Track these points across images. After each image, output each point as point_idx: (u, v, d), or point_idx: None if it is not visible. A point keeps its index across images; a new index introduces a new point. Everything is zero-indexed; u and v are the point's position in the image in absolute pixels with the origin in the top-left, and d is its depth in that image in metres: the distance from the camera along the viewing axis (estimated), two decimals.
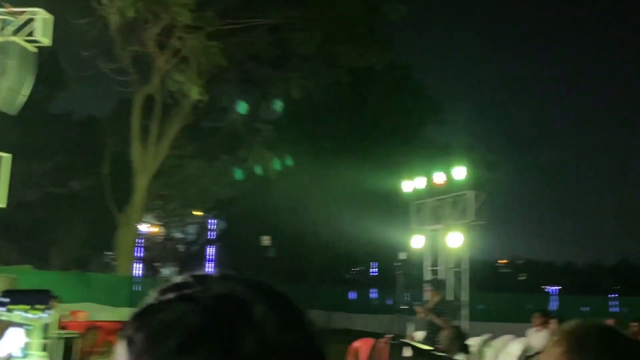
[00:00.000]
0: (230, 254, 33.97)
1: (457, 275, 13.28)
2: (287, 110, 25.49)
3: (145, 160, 18.65)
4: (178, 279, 0.71)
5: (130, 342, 0.65)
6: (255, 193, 24.89)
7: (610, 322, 8.86)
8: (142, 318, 0.67)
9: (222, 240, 37.54)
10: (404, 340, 1.81)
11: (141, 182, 18.80)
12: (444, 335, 5.64)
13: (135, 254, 24.51)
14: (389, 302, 27.50)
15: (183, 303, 0.66)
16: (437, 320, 7.73)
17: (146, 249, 36.31)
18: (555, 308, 28.98)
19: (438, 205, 13.70)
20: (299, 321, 0.69)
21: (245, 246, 29.76)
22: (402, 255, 12.14)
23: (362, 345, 8.93)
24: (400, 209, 16.34)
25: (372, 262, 47.97)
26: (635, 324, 9.51)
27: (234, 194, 23.53)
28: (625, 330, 8.90)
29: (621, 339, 1.57)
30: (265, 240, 14.66)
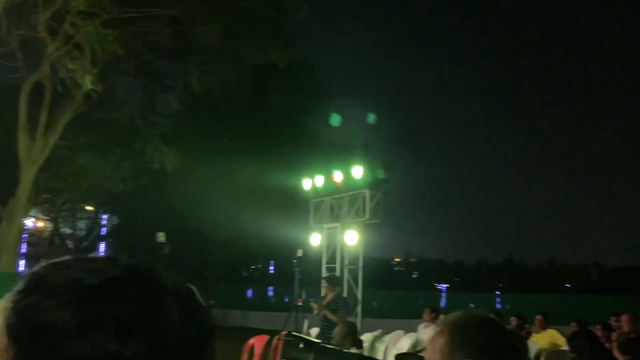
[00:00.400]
0: (122, 250, 32.95)
1: (353, 272, 13.52)
2: (187, 104, 24.98)
3: (33, 152, 17.64)
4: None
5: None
6: (152, 188, 24.22)
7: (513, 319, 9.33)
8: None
9: (114, 236, 36.42)
10: (296, 334, 1.81)
11: (27, 174, 17.75)
12: (337, 331, 5.71)
13: (21, 250, 23.23)
14: (287, 299, 27.63)
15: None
16: (331, 317, 7.83)
17: (32, 244, 34.61)
18: (444, 304, 30.18)
19: (336, 204, 13.88)
20: (198, 310, 0.68)
21: (138, 243, 28.88)
22: (300, 253, 12.20)
23: (256, 342, 8.90)
24: (300, 207, 16.43)
25: (271, 260, 47.97)
26: (514, 318, 10.09)
27: (128, 188, 22.75)
28: (505, 324, 9.40)
29: (500, 328, 1.63)
30: (160, 236, 14.27)
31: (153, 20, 16.74)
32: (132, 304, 0.63)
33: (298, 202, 16.66)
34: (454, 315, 1.66)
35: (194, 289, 0.71)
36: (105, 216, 36.64)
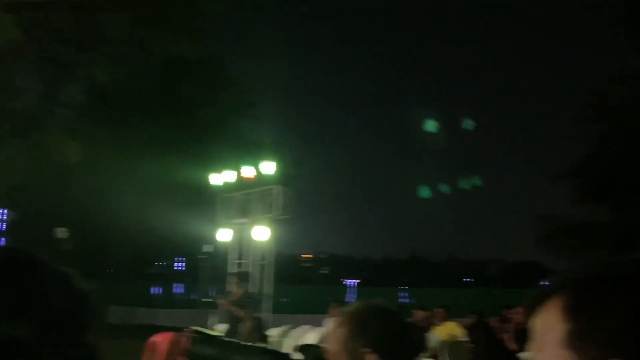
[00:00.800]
0: (22, 246, 31.26)
1: (262, 268, 13.50)
2: (93, 95, 24.01)
3: None
4: None
5: None
6: (54, 182, 23.13)
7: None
8: None
9: (12, 232, 34.59)
10: (200, 330, 1.77)
11: None
12: (244, 327, 5.70)
13: None
14: (195, 296, 27.19)
15: None
16: (239, 313, 7.80)
17: None
18: (352, 299, 30.66)
19: (246, 199, 13.80)
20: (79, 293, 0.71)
21: (39, 239, 27.52)
22: (207, 248, 12.06)
23: (160, 340, 8.71)
24: (209, 203, 16.21)
25: (178, 256, 47.02)
26: (419, 311, 10.43)
27: (28, 182, 21.61)
28: (410, 317, 9.70)
29: (398, 318, 1.69)
30: (61, 232, 13.66)
31: (56, 6, 15.99)
32: (17, 289, 0.64)
33: (207, 197, 16.44)
34: (354, 305, 1.69)
35: (74, 272, 0.72)
36: (3, 211, 34.71)
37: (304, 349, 1.74)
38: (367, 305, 1.67)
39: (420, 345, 1.60)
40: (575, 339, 0.78)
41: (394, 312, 1.67)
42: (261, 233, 13.03)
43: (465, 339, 7.31)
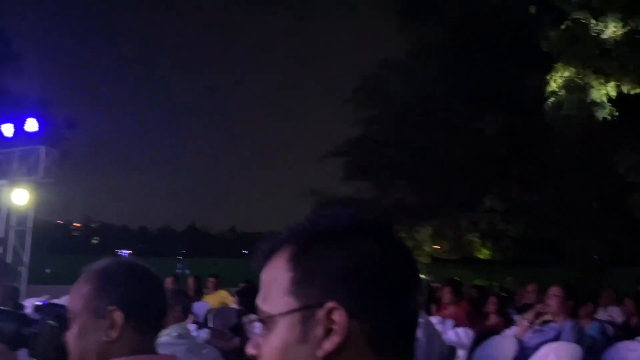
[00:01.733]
0: None
1: (20, 235, 12.35)
2: None
3: None
4: None
5: None
6: None
7: (169, 280, 9.46)
8: None
9: None
10: None
11: None
12: None
13: None
14: None
15: None
16: None
17: None
18: None
19: (4, 159, 12.47)
20: None
21: None
22: None
23: None
24: None
25: None
26: (191, 280, 10.38)
27: None
28: (183, 285, 9.61)
29: (146, 275, 1.59)
30: None
31: None
32: None
33: None
34: (100, 262, 1.58)
35: None
36: None
37: (42, 308, 1.57)
38: (114, 263, 1.57)
39: (164, 302, 1.53)
40: (297, 285, 0.82)
41: (143, 270, 1.57)
42: (20, 196, 11.89)
43: (234, 305, 7.43)
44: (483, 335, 5.02)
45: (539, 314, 4.54)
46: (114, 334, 1.43)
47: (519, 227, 18.41)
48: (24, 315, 1.54)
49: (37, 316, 1.56)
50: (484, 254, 24.26)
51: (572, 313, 4.33)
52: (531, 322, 4.48)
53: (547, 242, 16.76)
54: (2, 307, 1.59)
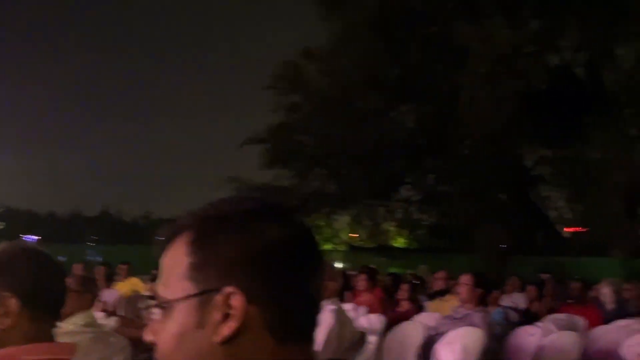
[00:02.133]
0: None
1: None
2: None
3: None
4: None
5: None
6: None
7: (78, 267, 9.15)
8: None
9: None
10: None
11: None
12: None
13: None
14: None
15: None
16: None
17: None
18: None
19: None
20: None
21: None
22: None
23: None
24: None
25: None
26: (101, 268, 10.10)
27: None
28: (92, 273, 9.32)
29: (44, 259, 1.53)
30: None
31: None
32: None
33: None
34: None
35: None
36: None
37: None
38: (11, 248, 1.52)
39: (63, 288, 1.50)
40: (196, 270, 0.82)
41: (43, 256, 1.53)
42: None
43: (146, 293, 7.29)
44: (394, 321, 5.16)
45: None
46: (7, 321, 1.40)
47: (433, 216, 19.02)
48: None
49: None
50: (399, 242, 24.88)
51: (481, 300, 4.53)
52: None
53: (458, 230, 17.37)
54: None
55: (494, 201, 15.97)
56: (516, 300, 7.74)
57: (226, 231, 0.83)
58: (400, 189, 18.16)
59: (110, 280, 9.23)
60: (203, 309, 0.80)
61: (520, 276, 9.33)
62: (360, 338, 4.05)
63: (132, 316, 5.52)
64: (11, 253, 1.48)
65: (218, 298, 0.79)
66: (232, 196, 0.90)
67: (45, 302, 1.46)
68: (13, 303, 1.40)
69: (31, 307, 1.42)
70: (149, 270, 9.60)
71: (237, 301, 0.79)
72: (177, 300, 0.82)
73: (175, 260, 0.84)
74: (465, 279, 4.57)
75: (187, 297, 0.81)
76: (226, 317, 0.79)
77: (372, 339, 4.55)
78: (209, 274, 0.81)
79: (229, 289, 0.79)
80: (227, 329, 0.79)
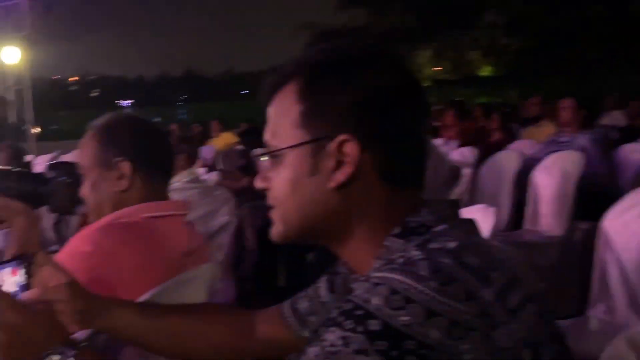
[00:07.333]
0: None
1: (19, 94, 12.25)
2: None
3: None
4: None
5: None
6: None
7: (174, 127, 9.54)
8: None
9: None
10: None
11: None
12: (1, 157, 5.21)
13: None
14: None
15: None
16: None
17: None
18: None
19: None
20: None
21: None
22: None
23: None
24: None
25: None
26: (196, 126, 10.51)
27: None
28: (188, 132, 9.72)
29: (147, 126, 1.59)
30: None
31: None
32: None
33: None
34: (103, 117, 1.60)
35: None
36: None
37: (55, 166, 1.61)
38: (117, 116, 1.59)
39: (170, 151, 1.57)
40: (307, 118, 0.81)
41: (144, 120, 1.60)
42: (11, 55, 11.60)
43: (238, 146, 7.55)
44: (487, 152, 5.09)
45: None
46: (124, 184, 1.49)
47: (521, 39, 18.09)
48: (39, 174, 1.59)
49: (51, 174, 1.61)
50: (486, 71, 24.08)
51: (584, 123, 4.38)
52: None
53: (548, 53, 16.52)
54: (17, 169, 1.63)
55: (589, 19, 14.89)
56: (616, 118, 7.45)
57: (338, 77, 0.81)
58: (484, 14, 17.21)
59: (205, 136, 9.61)
60: (315, 156, 0.81)
61: (619, 93, 8.92)
62: (454, 173, 4.04)
63: (230, 169, 5.76)
64: (117, 121, 1.56)
65: (331, 145, 0.80)
66: (338, 42, 0.86)
67: (155, 164, 1.54)
68: (126, 166, 1.48)
69: (143, 169, 1.50)
70: (237, 124, 9.88)
71: (351, 148, 0.79)
72: (289, 148, 0.82)
73: (285, 109, 0.84)
74: (567, 103, 4.39)
75: (300, 144, 0.82)
76: (339, 164, 0.80)
77: (466, 172, 4.54)
78: (321, 121, 0.81)
79: (342, 136, 0.79)
80: (341, 175, 0.80)
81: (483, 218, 2.10)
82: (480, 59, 21.00)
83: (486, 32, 17.56)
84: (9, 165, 5.41)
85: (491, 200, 3.64)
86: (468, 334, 0.65)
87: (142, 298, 1.28)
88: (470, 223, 0.84)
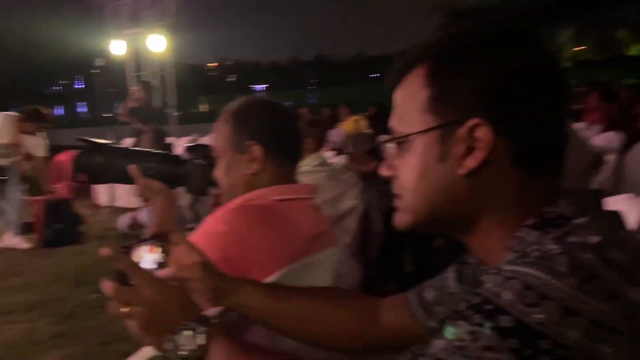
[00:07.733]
0: None
1: (163, 79, 13.03)
2: None
3: None
4: None
5: None
6: None
7: (305, 110, 9.72)
8: None
9: None
10: (87, 139, 1.67)
11: None
12: (144, 139, 5.56)
13: None
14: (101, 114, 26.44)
15: None
16: (138, 125, 7.62)
17: None
18: None
19: (137, 7, 12.84)
20: None
21: None
22: (100, 62, 11.36)
23: (65, 159, 8.78)
24: (96, 13, 15.01)
25: (78, 74, 45.02)
26: (326, 109, 10.62)
27: None
28: (318, 115, 9.86)
29: (277, 109, 1.61)
30: None
31: None
32: None
33: (91, 7, 15.15)
34: (236, 102, 1.64)
35: None
36: None
37: (192, 148, 1.70)
38: (249, 101, 1.63)
39: (298, 133, 1.59)
40: (436, 102, 0.78)
41: (275, 105, 1.62)
42: (156, 43, 12.35)
43: (367, 130, 7.54)
44: (634, 137, 4.72)
45: None
46: (255, 166, 1.53)
47: None
48: (177, 157, 1.67)
49: (188, 156, 1.68)
50: (634, 50, 22.31)
51: None
52: None
53: None
54: (157, 151, 1.72)
55: None
56: None
57: (468, 60, 0.77)
58: None
59: (334, 120, 9.71)
60: (445, 142, 0.78)
61: None
62: (596, 159, 3.78)
63: (358, 153, 5.77)
64: (250, 105, 1.59)
65: (462, 130, 0.76)
66: (468, 24, 0.82)
67: (285, 147, 1.57)
68: (258, 150, 1.52)
69: (274, 153, 1.53)
70: (366, 107, 9.87)
71: (483, 133, 0.75)
72: (417, 133, 0.79)
73: (412, 93, 0.80)
74: None
75: (428, 130, 0.78)
76: (470, 149, 0.76)
77: (610, 159, 4.24)
78: (450, 106, 0.77)
79: (473, 121, 0.75)
80: (472, 161, 0.76)
81: (629, 209, 1.94)
82: (629, 37, 19.47)
83: (635, 8, 16.21)
84: (152, 146, 5.78)
85: (639, 190, 3.36)
86: (611, 337, 0.60)
87: (270, 279, 1.30)
88: (615, 215, 0.77)
